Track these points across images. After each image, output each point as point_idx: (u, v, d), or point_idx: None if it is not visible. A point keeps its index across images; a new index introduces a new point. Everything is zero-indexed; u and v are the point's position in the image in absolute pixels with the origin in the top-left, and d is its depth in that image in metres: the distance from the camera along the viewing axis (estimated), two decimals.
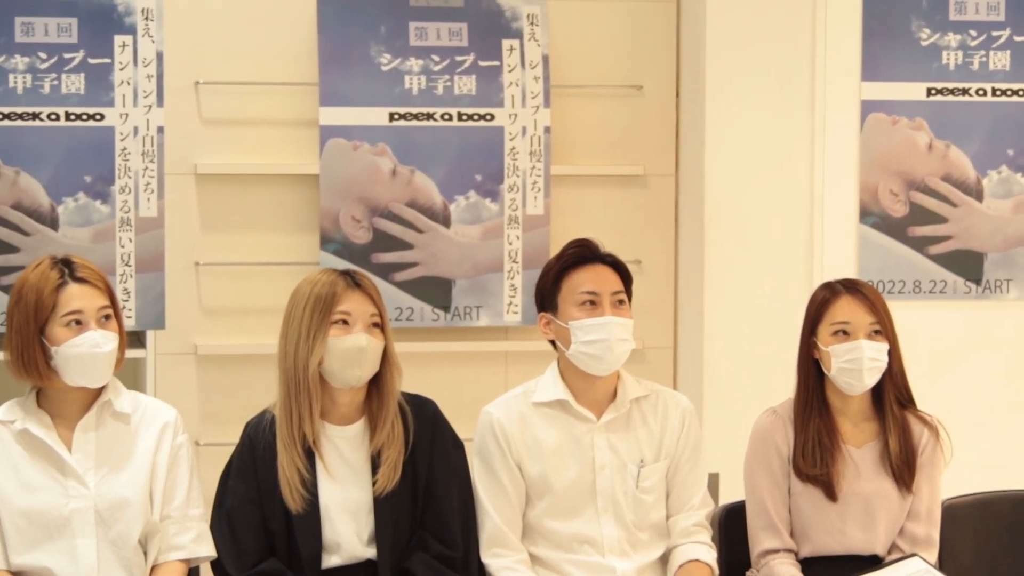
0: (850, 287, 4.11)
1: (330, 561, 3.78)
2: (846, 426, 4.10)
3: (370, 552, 3.79)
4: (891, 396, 4.12)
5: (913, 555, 4.04)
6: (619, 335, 3.92)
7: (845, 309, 4.06)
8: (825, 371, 4.06)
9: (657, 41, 5.57)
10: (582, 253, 3.99)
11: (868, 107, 5.44)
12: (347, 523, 3.78)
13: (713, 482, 4.50)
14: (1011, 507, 4.55)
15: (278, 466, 3.75)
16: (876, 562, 4.06)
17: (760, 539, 4.08)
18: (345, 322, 3.75)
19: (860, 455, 4.08)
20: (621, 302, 3.97)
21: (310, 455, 3.77)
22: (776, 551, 4.05)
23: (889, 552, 4.10)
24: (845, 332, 4.03)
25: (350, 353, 3.73)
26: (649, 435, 4.01)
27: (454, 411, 4.07)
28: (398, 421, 3.82)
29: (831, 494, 4.04)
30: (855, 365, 4.01)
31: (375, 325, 3.78)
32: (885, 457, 4.09)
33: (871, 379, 4.04)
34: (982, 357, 5.60)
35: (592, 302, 3.93)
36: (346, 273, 3.82)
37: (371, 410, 3.83)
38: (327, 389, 3.78)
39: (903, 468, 4.08)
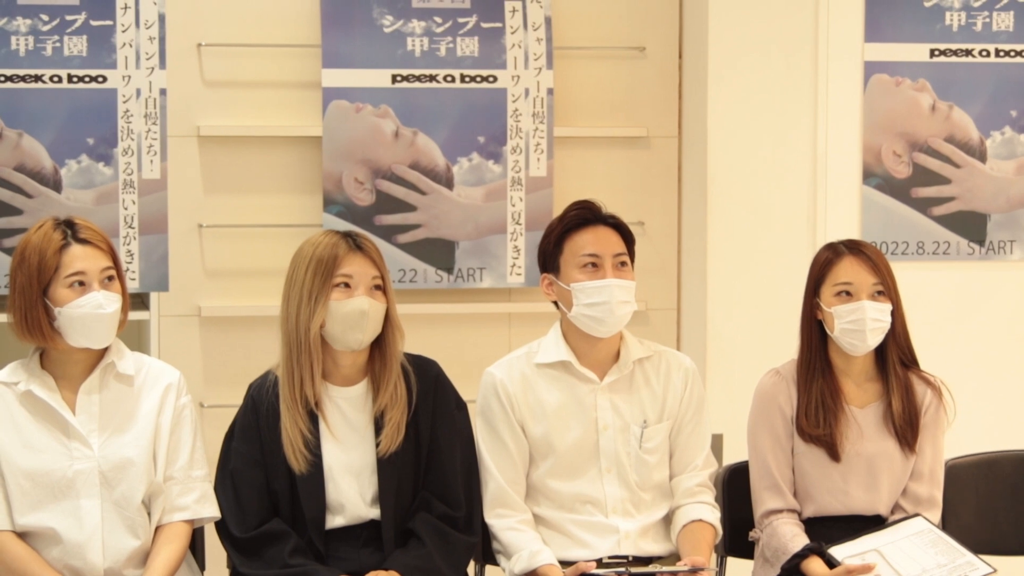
0: (853, 248, 4.10)
1: (334, 522, 3.79)
2: (849, 387, 4.10)
3: (374, 512, 3.80)
4: (894, 357, 4.11)
5: (916, 515, 4.05)
6: (620, 297, 3.92)
7: (848, 270, 4.05)
8: (828, 332, 4.05)
9: (660, 2, 5.54)
10: (584, 215, 3.99)
11: (871, 68, 5.42)
12: (351, 484, 3.79)
13: (717, 443, 4.52)
14: (1013, 467, 4.56)
15: (281, 427, 3.75)
16: (879, 522, 4.07)
17: (763, 499, 4.08)
18: (347, 285, 3.74)
19: (863, 415, 4.08)
20: (623, 264, 3.97)
21: (313, 416, 3.77)
22: (779, 511, 4.06)
23: (892, 512, 4.10)
24: (848, 293, 4.03)
25: (351, 316, 3.73)
26: (652, 396, 4.02)
27: (457, 372, 4.07)
28: (401, 382, 3.82)
29: (834, 454, 4.04)
30: (858, 326, 4.01)
31: (377, 287, 3.78)
32: (888, 417, 4.09)
33: (874, 340, 4.03)
34: (985, 318, 5.59)
35: (594, 264, 3.93)
36: (348, 235, 3.81)
37: (374, 371, 3.83)
38: (329, 351, 3.78)
39: (906, 428, 4.09)
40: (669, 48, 5.56)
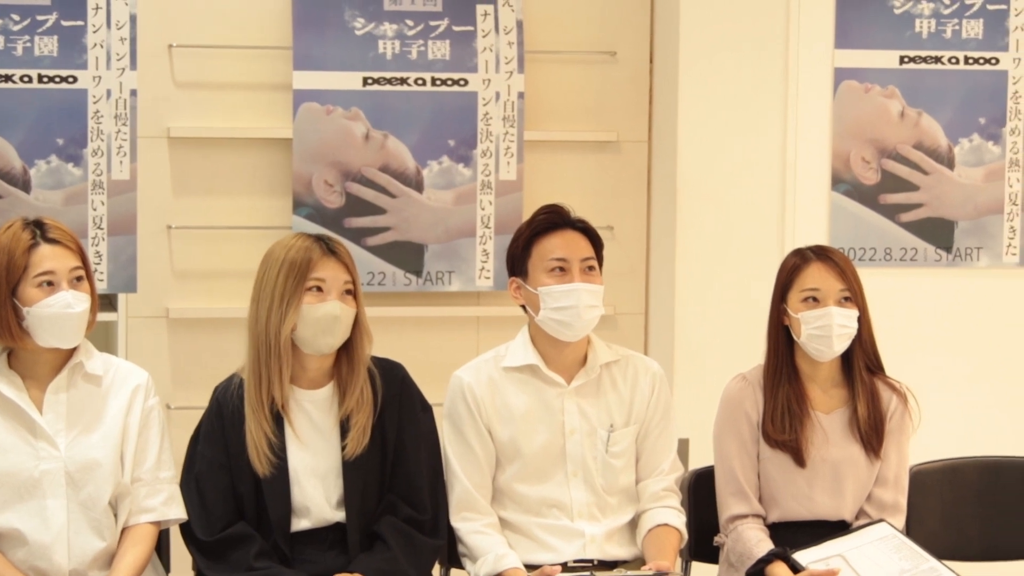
0: (820, 254, 4.11)
1: (299, 524, 3.79)
2: (815, 392, 4.12)
3: (339, 515, 3.80)
4: (860, 363, 4.13)
5: (880, 521, 4.05)
6: (588, 302, 3.93)
7: (815, 276, 4.06)
8: (795, 337, 4.07)
9: (631, 7, 5.57)
10: (553, 219, 4.00)
11: (841, 74, 5.45)
12: (316, 487, 3.79)
13: (683, 447, 4.54)
14: (978, 473, 4.59)
15: (246, 430, 3.76)
16: (844, 527, 4.07)
17: (729, 504, 4.10)
18: (319, 289, 3.75)
19: (829, 421, 4.10)
20: (591, 268, 3.98)
21: (278, 419, 3.77)
22: (744, 516, 4.07)
23: (857, 518, 4.11)
24: (815, 299, 4.04)
25: (324, 321, 3.73)
26: (619, 400, 4.03)
27: (426, 376, 4.09)
28: (367, 385, 3.83)
29: (800, 460, 4.06)
30: (825, 332, 4.02)
31: (348, 292, 3.78)
32: (854, 423, 4.11)
33: (841, 346, 4.05)
34: (952, 325, 5.63)
35: (562, 268, 3.94)
36: (320, 239, 3.82)
37: (340, 375, 3.84)
38: (297, 354, 3.78)
39: (871, 434, 4.11)
40: (640, 53, 5.58)
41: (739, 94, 5.39)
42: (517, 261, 4.01)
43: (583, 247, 3.99)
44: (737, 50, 5.38)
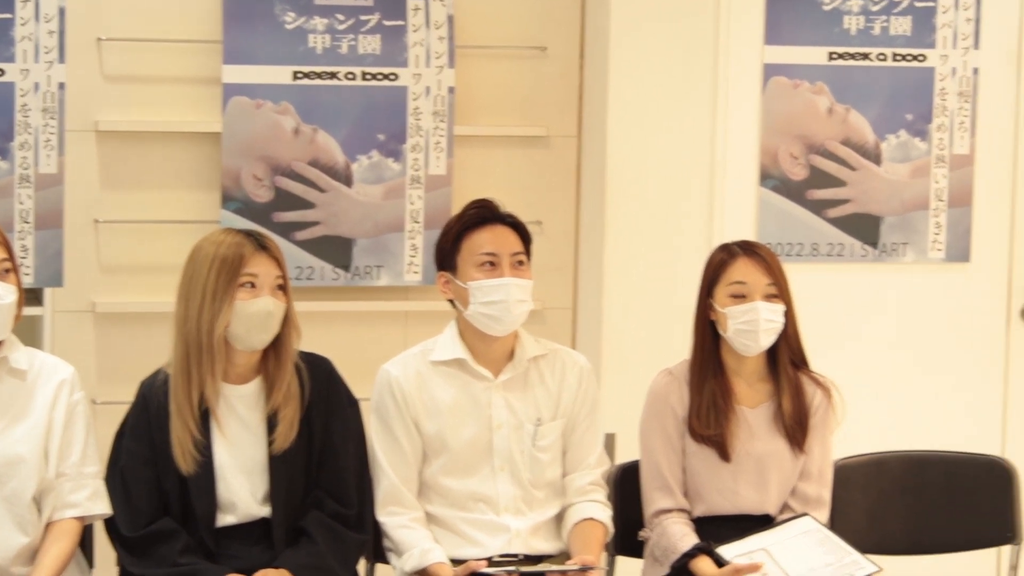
0: (747, 249, 4.16)
1: (225, 520, 3.79)
2: (740, 387, 4.15)
3: (265, 511, 3.81)
4: (785, 357, 4.17)
5: (804, 514, 4.09)
6: (517, 296, 3.96)
7: (742, 270, 4.11)
8: (721, 332, 4.11)
9: (562, 3, 5.58)
10: (483, 214, 4.02)
11: (770, 70, 5.49)
12: (242, 482, 3.79)
13: (610, 441, 4.56)
14: (902, 467, 4.64)
15: (171, 428, 3.75)
16: (768, 521, 4.10)
17: (654, 499, 4.13)
18: (252, 285, 3.75)
19: (754, 415, 4.14)
20: (520, 263, 4.01)
21: (204, 415, 3.76)
22: (669, 511, 4.10)
23: (781, 511, 4.14)
24: (742, 294, 4.08)
25: (258, 317, 3.73)
26: (546, 394, 4.06)
27: (354, 370, 4.10)
28: (294, 380, 3.83)
29: (724, 455, 4.09)
30: (751, 327, 4.06)
31: (279, 287, 3.79)
32: (778, 417, 4.15)
33: (767, 340, 4.09)
34: (878, 319, 5.69)
35: (491, 263, 3.97)
36: (251, 234, 3.82)
37: (268, 369, 3.84)
38: (226, 350, 3.78)
39: (796, 428, 4.14)
40: (570, 48, 5.60)
41: (668, 90, 5.42)
42: (446, 256, 4.03)
43: (512, 242, 4.01)
44: (667, 46, 5.41)
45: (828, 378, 4.26)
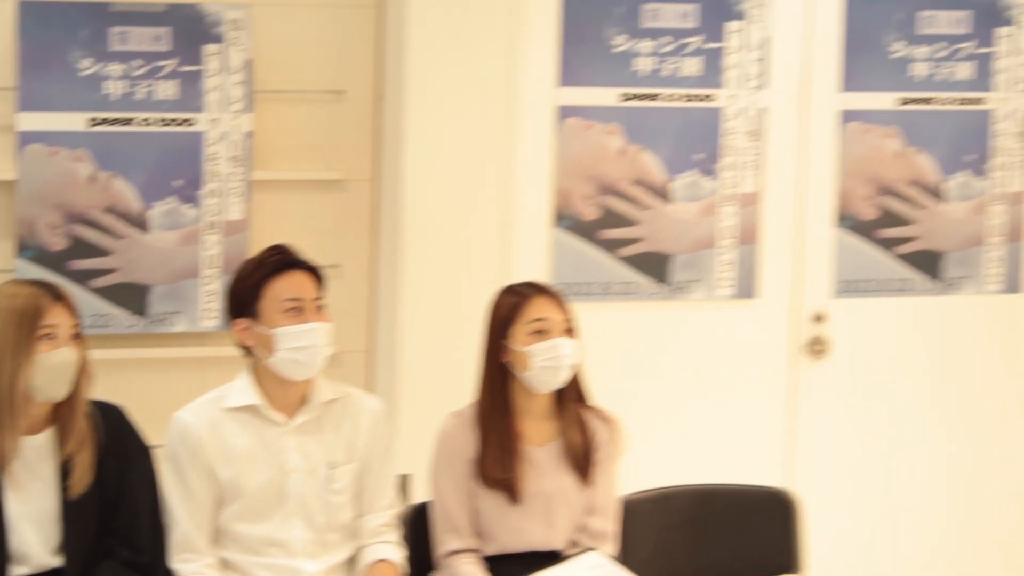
0: (540, 288, 4.31)
1: (17, 572, 3.80)
2: (529, 426, 4.26)
3: (57, 561, 3.82)
4: (571, 394, 4.29)
5: (591, 549, 4.19)
6: (324, 341, 4.05)
7: (542, 308, 4.23)
8: (518, 372, 4.21)
9: (359, 47, 5.62)
10: (284, 260, 4.09)
11: (565, 112, 5.57)
12: (33, 533, 3.81)
13: (407, 482, 4.63)
14: (688, 502, 4.75)
15: None
16: (556, 558, 4.20)
17: (444, 540, 4.22)
18: (51, 336, 3.77)
19: (542, 454, 4.25)
20: (320, 308, 4.09)
21: None
22: (460, 551, 4.19)
23: (569, 547, 4.23)
24: (543, 330, 4.20)
25: (59, 368, 3.77)
26: (340, 437, 4.13)
27: (151, 417, 4.14)
28: (88, 428, 3.86)
29: (514, 497, 4.20)
30: (555, 362, 4.19)
31: (75, 336, 3.82)
32: (565, 454, 4.27)
33: (568, 375, 4.23)
34: (668, 356, 5.76)
35: (296, 309, 4.04)
36: (44, 284, 3.85)
37: (60, 418, 3.86)
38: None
39: (582, 464, 4.27)
40: (367, 92, 5.65)
41: (464, 132, 5.48)
42: (245, 303, 4.08)
43: (312, 287, 4.09)
44: (462, 89, 5.47)
45: (611, 413, 4.37)
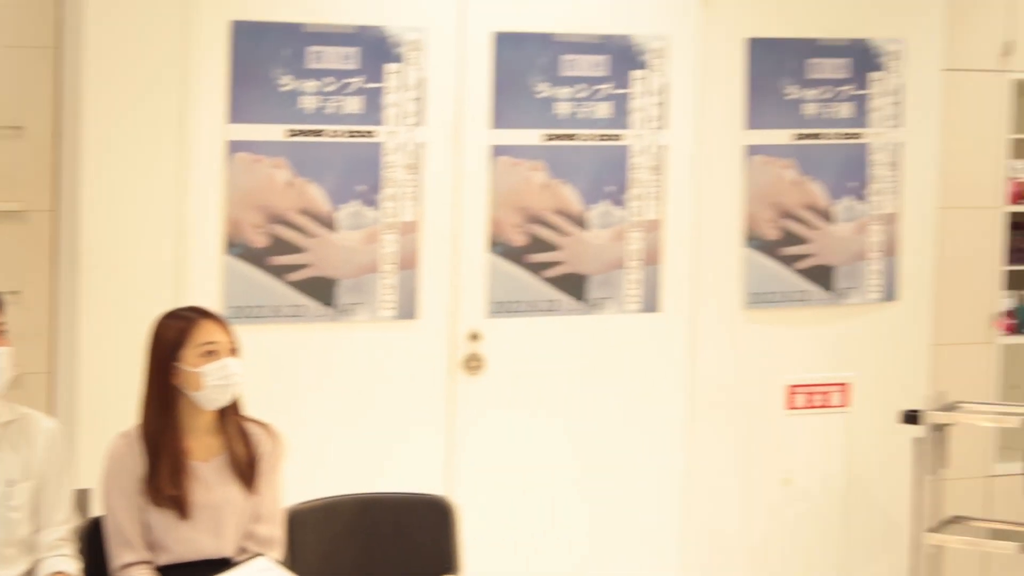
0: (205, 312, 4.46)
1: None
2: (195, 443, 4.41)
3: None
4: (231, 409, 4.45)
5: (259, 555, 4.32)
6: (4, 364, 4.19)
7: (211, 331, 4.39)
8: (189, 391, 4.34)
9: (38, 85, 5.70)
10: None
11: (234, 147, 5.67)
12: None
13: (85, 497, 4.77)
14: (352, 509, 4.90)
15: None
16: (227, 564, 4.31)
17: (118, 554, 4.31)
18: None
19: (208, 468, 4.39)
20: (2, 332, 4.20)
21: None
22: (132, 564, 4.30)
23: (238, 554, 4.37)
24: (212, 352, 4.36)
25: None
26: (18, 457, 4.24)
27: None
28: None
29: (184, 512, 4.33)
30: (227, 381, 4.36)
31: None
32: (230, 466, 4.41)
33: (236, 392, 4.40)
34: (336, 374, 5.94)
35: None
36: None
37: None
38: None
39: (247, 474, 4.42)
40: (46, 128, 5.72)
41: (139, 165, 5.55)
42: None
43: None
44: (137, 124, 5.54)
45: (272, 425, 4.54)
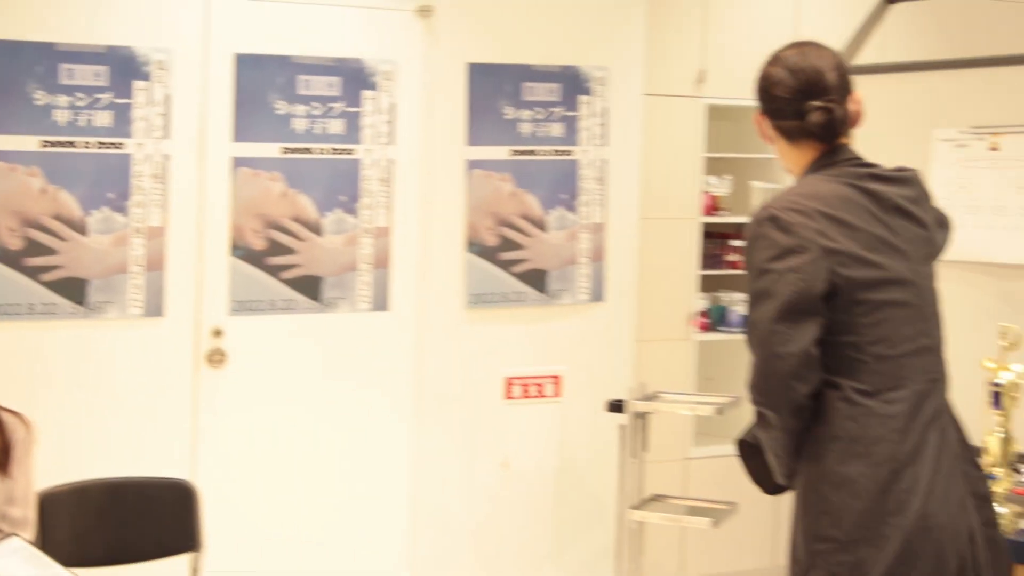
0: None
1: None
2: None
3: None
4: None
5: (13, 535, 4.20)
6: None
7: None
8: None
9: None
10: None
11: None
12: None
13: None
14: (102, 493, 5.01)
15: None
16: None
17: None
18: None
19: None
20: None
21: None
22: None
23: None
24: None
25: None
26: None
27: None
28: None
29: None
30: None
31: None
32: None
33: None
34: (88, 368, 6.03)
35: None
36: None
37: None
38: None
39: (2, 459, 4.45)
40: None
41: None
42: None
43: None
44: None
45: (25, 414, 4.56)
